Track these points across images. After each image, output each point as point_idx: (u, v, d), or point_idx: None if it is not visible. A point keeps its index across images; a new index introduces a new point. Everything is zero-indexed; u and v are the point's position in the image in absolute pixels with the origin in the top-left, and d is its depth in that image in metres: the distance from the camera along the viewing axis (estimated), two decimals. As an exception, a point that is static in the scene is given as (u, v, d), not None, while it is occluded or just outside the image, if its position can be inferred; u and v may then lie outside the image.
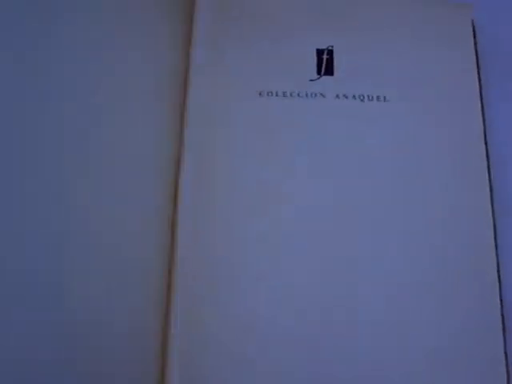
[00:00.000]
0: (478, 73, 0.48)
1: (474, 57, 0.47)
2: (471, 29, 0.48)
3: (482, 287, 0.42)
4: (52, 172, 0.40)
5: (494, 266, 0.42)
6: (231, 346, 0.40)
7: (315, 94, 0.45)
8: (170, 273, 0.41)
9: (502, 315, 0.41)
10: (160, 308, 0.40)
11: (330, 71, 0.46)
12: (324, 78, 0.46)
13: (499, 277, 0.42)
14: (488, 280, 0.42)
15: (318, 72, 0.46)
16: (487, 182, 0.44)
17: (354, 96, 0.45)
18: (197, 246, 0.42)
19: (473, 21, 0.50)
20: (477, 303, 0.41)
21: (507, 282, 0.43)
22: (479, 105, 0.46)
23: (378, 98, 0.45)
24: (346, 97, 0.45)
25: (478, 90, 0.46)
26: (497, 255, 0.43)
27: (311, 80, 0.46)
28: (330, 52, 0.47)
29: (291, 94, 0.45)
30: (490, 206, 0.43)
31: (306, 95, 0.45)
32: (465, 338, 0.41)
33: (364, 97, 0.45)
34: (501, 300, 0.42)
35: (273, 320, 0.41)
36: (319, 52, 0.46)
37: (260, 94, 0.45)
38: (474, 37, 0.49)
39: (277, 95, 0.45)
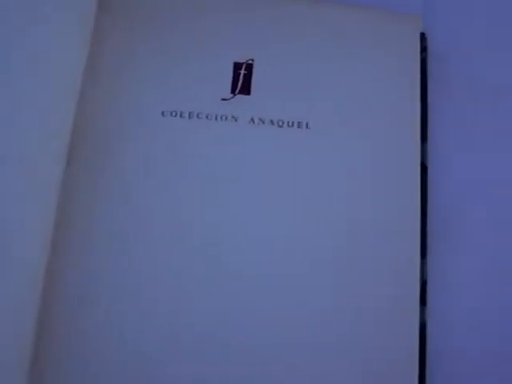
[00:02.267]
0: (425, 93, 0.41)
1: (419, 81, 0.40)
2: (418, 44, 0.41)
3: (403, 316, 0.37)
4: None
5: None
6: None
7: (226, 117, 0.39)
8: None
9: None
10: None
11: (246, 90, 0.40)
12: (239, 97, 0.39)
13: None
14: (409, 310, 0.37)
15: (233, 90, 0.40)
16: (418, 214, 0.38)
17: (271, 121, 0.39)
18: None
19: (424, 33, 0.43)
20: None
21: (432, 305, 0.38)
22: (418, 141, 0.39)
23: (299, 124, 0.39)
24: (262, 121, 0.39)
25: (418, 122, 0.40)
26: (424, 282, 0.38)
27: (223, 99, 0.39)
28: (249, 67, 0.40)
29: (198, 116, 0.39)
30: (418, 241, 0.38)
31: (216, 117, 0.39)
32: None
33: (283, 122, 0.39)
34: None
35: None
36: (236, 66, 0.40)
37: (163, 113, 0.39)
38: (425, 50, 0.42)
39: (181, 116, 0.39)
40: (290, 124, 0.39)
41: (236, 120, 0.39)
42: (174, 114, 0.39)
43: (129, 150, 0.38)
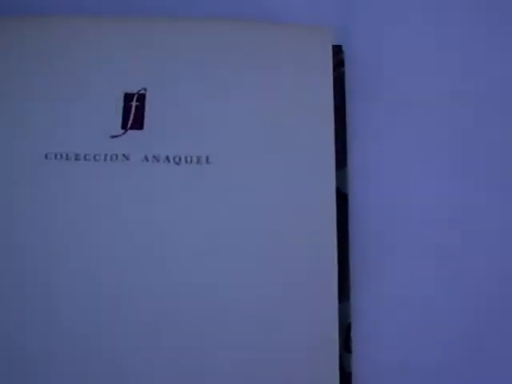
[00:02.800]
0: (344, 111, 0.37)
1: (332, 98, 0.36)
2: (330, 58, 0.37)
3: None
4: None
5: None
6: None
7: (116, 156, 0.35)
8: None
9: None
10: None
11: (138, 124, 0.35)
12: (130, 133, 0.35)
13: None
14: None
15: (124, 125, 0.35)
16: (334, 249, 0.34)
17: (167, 157, 0.35)
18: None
19: (341, 46, 0.39)
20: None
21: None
22: (333, 167, 0.35)
23: (198, 159, 0.35)
24: (156, 159, 0.35)
25: (332, 144, 0.35)
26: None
27: (113, 136, 0.35)
28: (142, 97, 0.36)
29: (85, 157, 0.35)
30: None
31: (105, 158, 0.35)
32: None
33: (180, 159, 0.35)
34: None
35: None
36: (127, 97, 0.36)
37: (46, 156, 0.35)
38: (343, 64, 0.38)
39: (67, 158, 0.35)
40: (189, 160, 0.35)
41: (128, 159, 0.35)
42: (58, 156, 0.35)
43: (7, 199, 0.34)
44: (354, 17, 0.41)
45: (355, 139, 0.38)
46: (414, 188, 0.37)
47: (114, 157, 0.35)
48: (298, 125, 0.35)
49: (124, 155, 0.35)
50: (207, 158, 0.35)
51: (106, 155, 0.35)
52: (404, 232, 0.36)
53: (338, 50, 0.38)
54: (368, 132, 0.38)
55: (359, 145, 0.38)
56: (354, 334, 0.34)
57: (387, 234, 0.36)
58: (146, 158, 0.35)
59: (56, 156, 0.35)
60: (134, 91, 0.36)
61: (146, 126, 0.35)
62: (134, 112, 0.35)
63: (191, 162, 0.35)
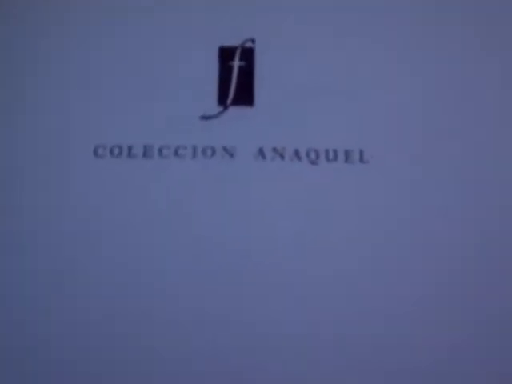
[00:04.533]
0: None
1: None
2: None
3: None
4: None
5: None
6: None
7: (212, 150, 0.21)
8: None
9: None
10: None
11: (246, 97, 0.22)
12: (233, 111, 0.22)
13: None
14: None
15: (222, 100, 0.22)
16: None
17: (296, 153, 0.21)
18: None
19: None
20: None
21: None
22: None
23: (347, 155, 0.21)
24: (279, 155, 0.21)
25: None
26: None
27: (205, 118, 0.22)
28: (248, 53, 0.22)
29: (161, 152, 0.21)
30: None
31: (194, 153, 0.21)
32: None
33: (318, 154, 0.21)
34: None
35: None
36: (224, 53, 0.22)
37: (96, 151, 0.21)
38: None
39: (130, 155, 0.21)
40: (331, 156, 0.21)
41: (232, 155, 0.21)
42: (116, 151, 0.21)
43: (44, 203, 0.21)
44: None
45: None
46: None
47: (209, 151, 0.21)
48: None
49: (225, 149, 0.21)
50: (361, 153, 0.21)
51: (194, 148, 0.21)
52: None
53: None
54: None
55: None
56: None
57: None
58: (262, 154, 0.21)
59: (112, 151, 0.21)
60: (236, 44, 0.22)
61: (257, 100, 0.22)
62: (236, 78, 0.22)
63: (336, 159, 0.21)
